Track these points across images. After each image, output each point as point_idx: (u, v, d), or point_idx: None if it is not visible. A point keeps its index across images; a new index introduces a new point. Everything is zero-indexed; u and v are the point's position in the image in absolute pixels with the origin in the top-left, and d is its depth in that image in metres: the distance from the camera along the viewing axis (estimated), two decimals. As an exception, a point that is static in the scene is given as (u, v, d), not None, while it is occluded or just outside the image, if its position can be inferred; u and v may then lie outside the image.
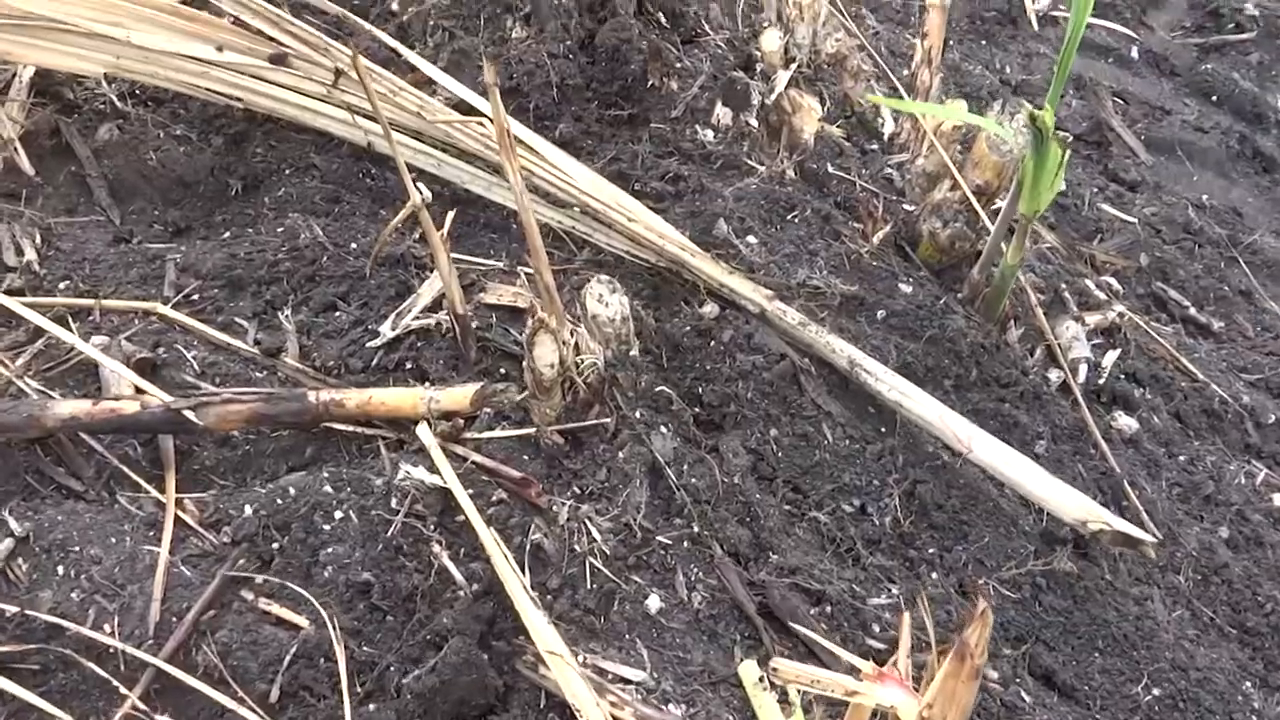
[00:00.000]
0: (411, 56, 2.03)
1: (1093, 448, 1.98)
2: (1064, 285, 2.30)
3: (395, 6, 2.41)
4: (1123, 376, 2.24)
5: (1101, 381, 2.20)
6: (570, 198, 1.91)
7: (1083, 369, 2.13)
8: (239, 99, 2.11)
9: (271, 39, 2.06)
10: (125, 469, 1.69)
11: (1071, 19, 1.64)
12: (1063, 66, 1.69)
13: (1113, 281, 2.51)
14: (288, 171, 2.09)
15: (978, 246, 2.03)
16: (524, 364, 1.61)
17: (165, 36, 2.05)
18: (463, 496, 1.56)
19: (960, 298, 2.04)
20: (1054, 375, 2.12)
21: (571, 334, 1.61)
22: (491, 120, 1.60)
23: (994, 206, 2.07)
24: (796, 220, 2.02)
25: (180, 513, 1.63)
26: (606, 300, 1.68)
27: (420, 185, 1.72)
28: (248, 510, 1.60)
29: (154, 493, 1.66)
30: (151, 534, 1.60)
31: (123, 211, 2.14)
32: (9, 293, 1.91)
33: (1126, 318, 2.37)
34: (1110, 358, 2.25)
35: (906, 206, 2.14)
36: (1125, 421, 2.11)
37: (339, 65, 2.01)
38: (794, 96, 2.09)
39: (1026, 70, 3.26)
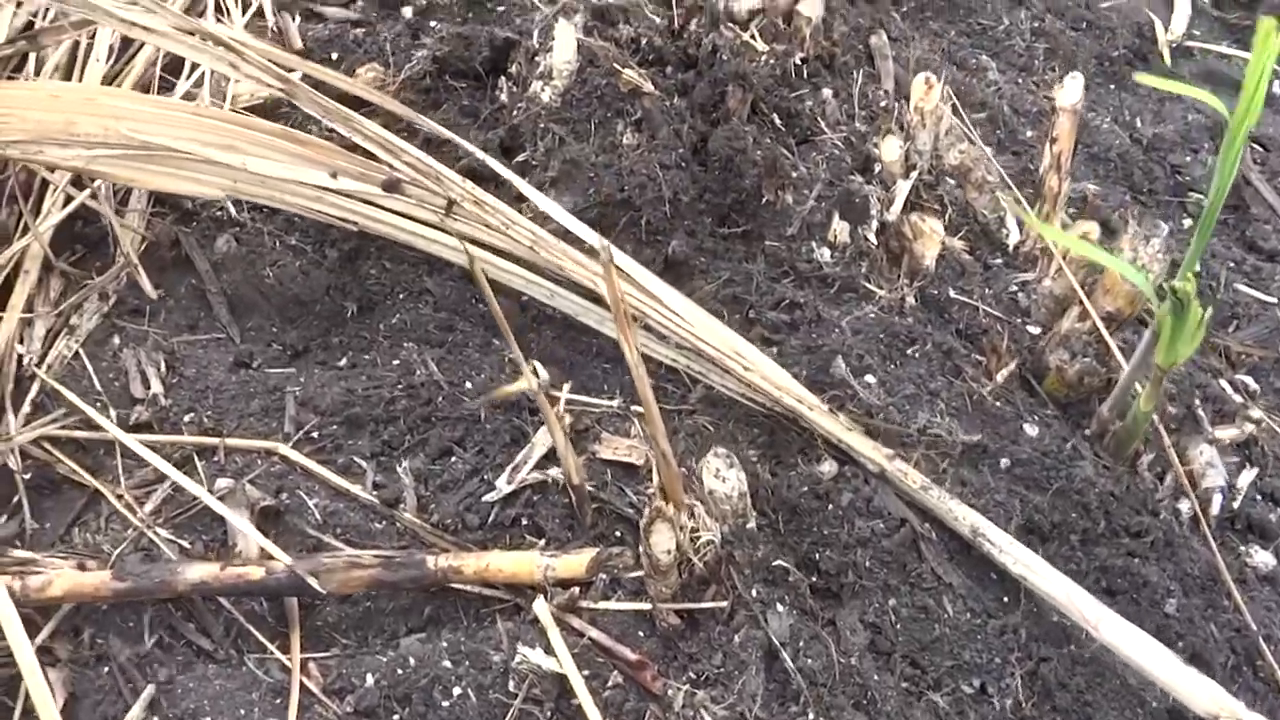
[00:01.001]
0: (523, 186, 2.01)
1: (1226, 597, 1.92)
2: (1197, 397, 2.21)
3: (504, 98, 2.40)
4: (1260, 498, 2.16)
5: (1236, 505, 2.12)
6: (684, 342, 1.89)
7: (1216, 499, 2.05)
8: (353, 222, 2.12)
9: (384, 164, 2.06)
10: (251, 627, 1.76)
11: (1213, 188, 1.55)
12: (1201, 235, 1.60)
13: (1249, 380, 2.40)
14: (401, 296, 2.11)
15: (1108, 380, 1.96)
16: (640, 547, 1.61)
17: (281, 163, 2.07)
18: (579, 683, 1.58)
19: (1088, 434, 1.98)
20: (1184, 506, 2.05)
21: (689, 516, 1.61)
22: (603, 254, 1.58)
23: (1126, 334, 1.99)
24: (917, 355, 1.97)
25: (305, 679, 1.69)
26: (724, 475, 1.67)
27: (536, 364, 1.72)
28: (369, 680, 1.65)
29: (280, 656, 1.71)
30: (279, 702, 1.65)
31: (241, 328, 2.18)
32: (136, 428, 1.98)
33: (1264, 425, 2.27)
34: (1246, 478, 2.16)
35: (1031, 329, 2.07)
36: (1262, 558, 2.04)
37: (450, 195, 2.01)
38: (915, 222, 2.03)
39: (1159, 119, 3.11)
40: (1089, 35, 3.31)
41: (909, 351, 1.97)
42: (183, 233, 2.28)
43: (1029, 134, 2.86)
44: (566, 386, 1.91)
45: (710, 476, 1.67)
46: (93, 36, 2.45)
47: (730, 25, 2.32)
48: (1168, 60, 3.32)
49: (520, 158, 2.30)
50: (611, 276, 1.50)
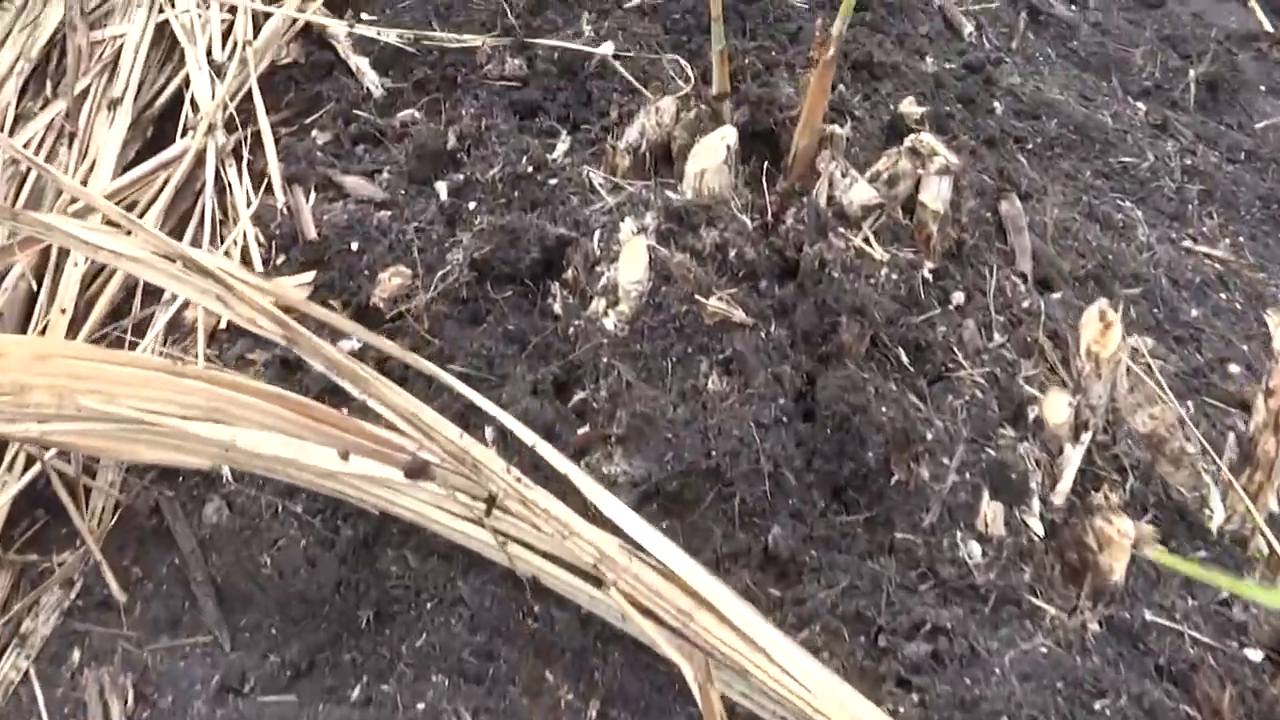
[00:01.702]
0: (586, 485, 1.56)
1: None
2: None
3: (558, 309, 1.95)
4: None
5: None
6: (794, 709, 1.42)
7: None
8: (370, 504, 1.68)
9: (410, 440, 1.62)
10: None
11: None
12: None
13: None
14: (429, 605, 1.67)
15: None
16: None
17: (278, 439, 1.64)
18: None
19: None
20: None
21: None
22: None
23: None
24: (1109, 713, 1.48)
25: None
26: None
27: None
28: None
29: None
30: None
31: (233, 629, 1.76)
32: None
33: None
34: None
35: (1251, 655, 1.58)
36: None
37: (491, 489, 1.56)
38: (1101, 529, 1.54)
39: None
40: (1249, 169, 2.80)
41: (1097, 707, 1.48)
42: (164, 496, 1.87)
43: (1194, 313, 2.36)
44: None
45: None
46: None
47: (840, 229, 1.85)
48: (1345, 193, 2.80)
49: (578, 396, 1.86)
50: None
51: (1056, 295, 2.18)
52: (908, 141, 1.99)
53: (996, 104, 2.67)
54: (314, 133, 2.46)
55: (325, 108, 2.50)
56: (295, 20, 2.49)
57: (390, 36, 2.41)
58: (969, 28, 2.94)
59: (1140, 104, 2.95)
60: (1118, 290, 2.33)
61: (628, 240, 1.84)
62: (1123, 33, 3.13)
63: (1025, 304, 2.05)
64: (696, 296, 1.78)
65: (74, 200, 2.10)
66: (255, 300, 1.69)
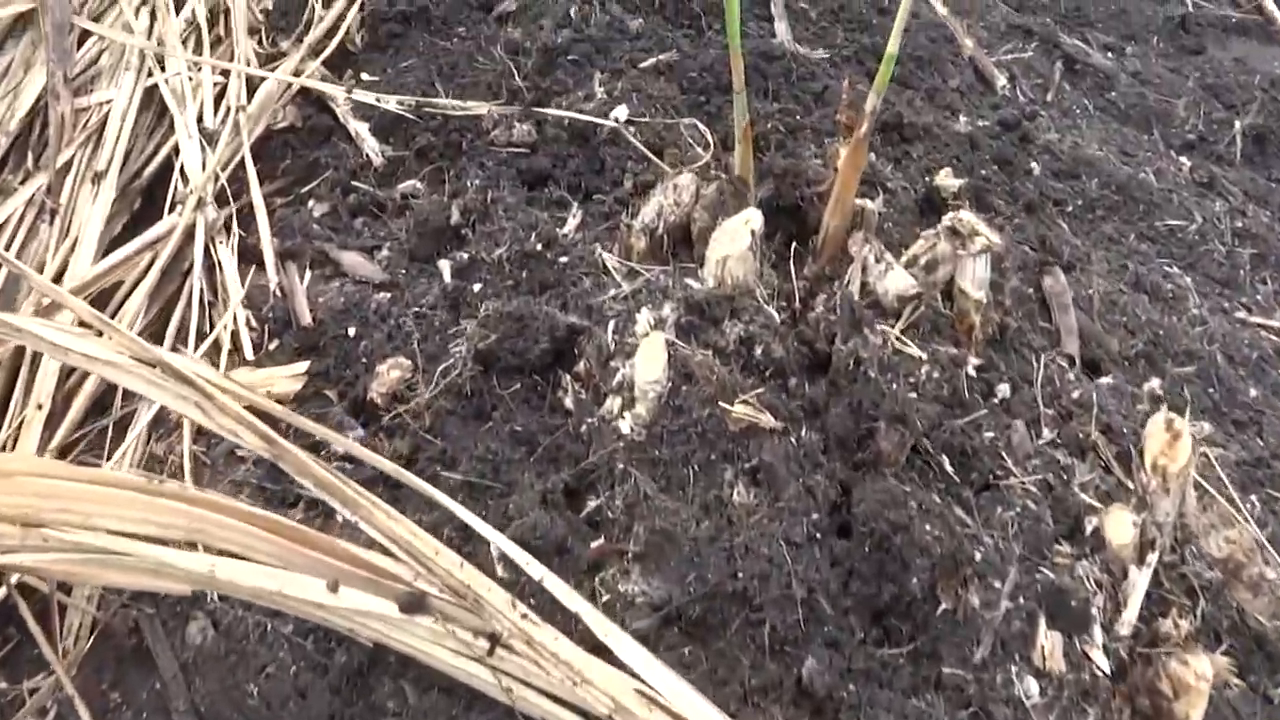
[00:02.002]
0: (590, 615, 1.41)
1: None
2: None
3: (570, 404, 1.81)
4: None
5: None
6: None
7: None
8: (363, 636, 1.54)
9: (406, 568, 1.47)
10: None
11: None
12: None
13: None
14: (428, 747, 1.51)
15: None
16: None
17: (260, 570, 1.49)
18: None
19: None
20: None
21: None
22: None
23: None
24: None
25: None
26: None
27: None
28: None
29: None
30: None
31: (217, 770, 1.60)
32: None
33: None
34: None
35: (1344, 810, 1.41)
36: None
37: (494, 628, 1.41)
38: (1176, 673, 1.38)
39: None
40: (1303, 229, 2.64)
41: None
42: (145, 615, 1.72)
43: (1253, 393, 2.20)
44: None
45: None
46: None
47: (875, 323, 1.71)
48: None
49: (592, 504, 1.71)
50: None
51: (1107, 380, 2.03)
52: (946, 219, 1.85)
53: (1034, 164, 2.52)
54: (310, 203, 2.33)
55: (323, 176, 2.36)
56: (291, 84, 2.35)
57: (390, 104, 2.27)
58: (1002, 80, 2.79)
59: (1184, 159, 2.80)
60: (1170, 369, 2.18)
61: (645, 335, 1.69)
62: (1163, 82, 2.98)
63: (1075, 394, 1.89)
64: (720, 400, 1.63)
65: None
66: (237, 411, 1.55)
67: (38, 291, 1.91)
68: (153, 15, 2.52)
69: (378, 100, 2.29)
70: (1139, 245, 2.50)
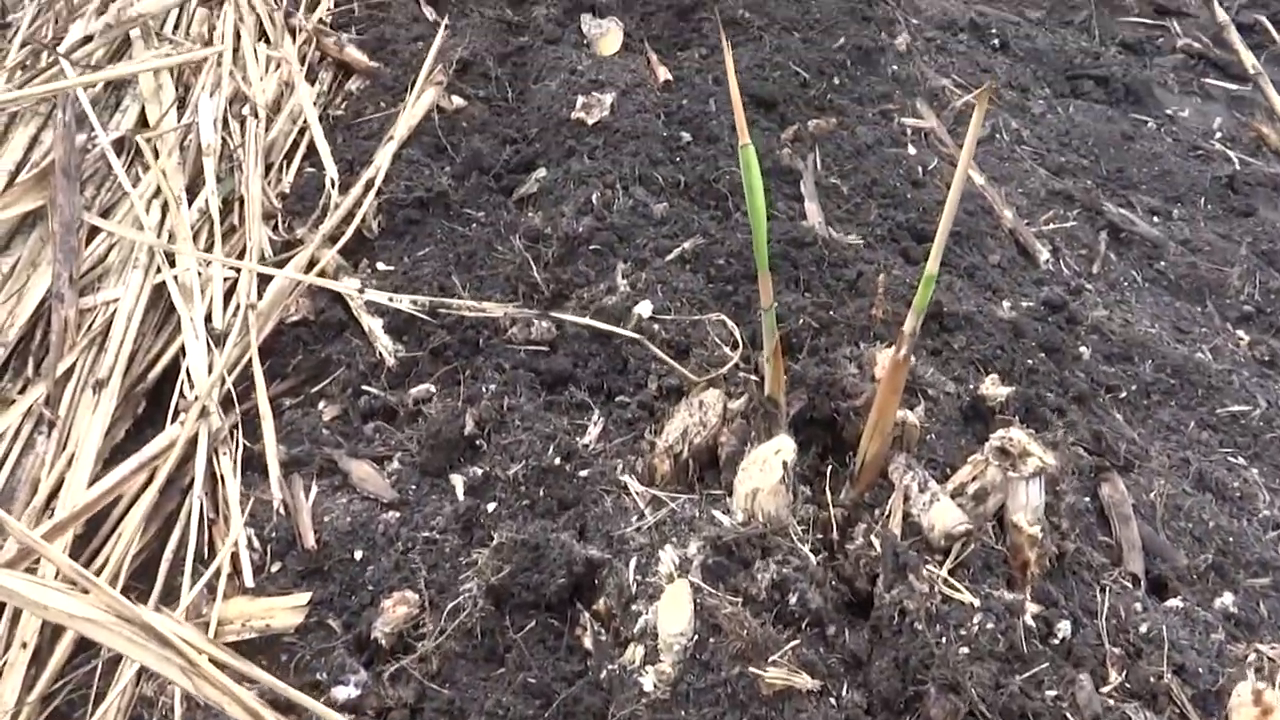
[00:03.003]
0: None
1: None
2: None
3: (589, 644, 1.67)
4: None
5: None
6: None
7: None
8: None
9: None
10: None
11: None
12: None
13: None
14: None
15: None
16: None
17: None
18: None
19: None
20: None
21: None
22: None
23: None
24: None
25: None
26: None
27: None
28: None
29: None
30: None
31: None
32: None
33: None
34: None
35: None
36: None
37: None
38: None
39: None
40: (1381, 410, 2.49)
41: None
42: None
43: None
44: None
45: None
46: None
47: (921, 564, 1.57)
48: None
49: (614, 770, 1.56)
50: None
51: (1176, 602, 1.88)
52: (995, 439, 1.73)
53: (1083, 348, 2.41)
54: (320, 405, 2.24)
55: (334, 374, 2.29)
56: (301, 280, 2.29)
57: (404, 303, 2.20)
58: (1044, 253, 2.70)
59: (1241, 332, 2.68)
60: (1242, 581, 2.02)
61: (669, 582, 1.57)
62: (1214, 249, 2.87)
63: (1143, 627, 1.74)
64: (751, 658, 1.50)
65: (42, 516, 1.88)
66: (223, 682, 1.43)
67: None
68: (164, 208, 2.48)
69: (390, 300, 2.21)
70: (1199, 434, 2.36)
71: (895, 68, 3.21)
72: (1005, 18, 3.78)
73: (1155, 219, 2.99)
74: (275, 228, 2.65)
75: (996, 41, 3.61)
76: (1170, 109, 3.51)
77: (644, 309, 2.20)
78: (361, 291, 2.23)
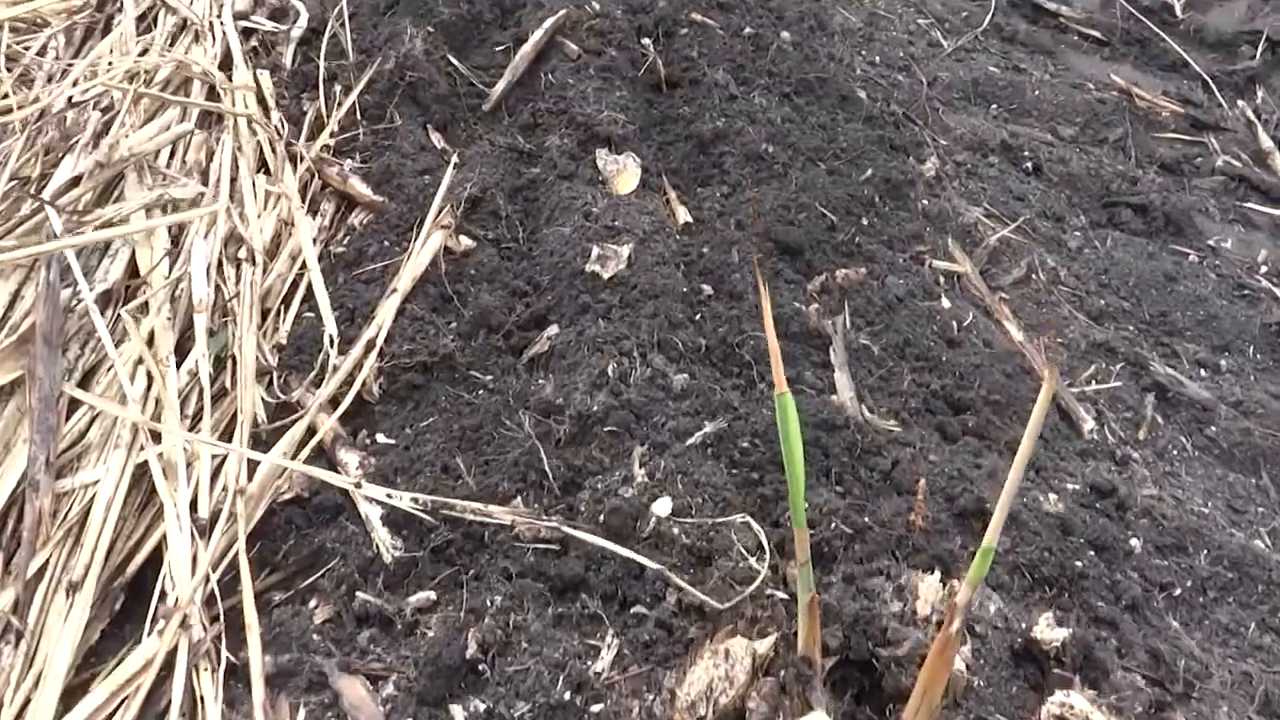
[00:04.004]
0: None
1: None
2: None
3: None
4: None
5: None
6: None
7: None
8: None
9: None
10: None
11: None
12: None
13: None
14: None
15: None
16: None
17: None
18: None
19: None
20: None
21: None
22: None
23: None
24: None
25: None
26: None
27: None
28: None
29: None
30: None
31: None
32: None
33: None
34: None
35: None
36: None
37: None
38: None
39: None
40: None
41: None
42: None
43: None
44: None
45: None
46: None
47: None
48: None
49: None
50: None
51: None
52: (1055, 706, 1.56)
53: (1134, 539, 2.25)
54: (312, 603, 2.09)
55: (328, 566, 2.13)
56: (295, 459, 2.15)
57: (403, 500, 2.05)
58: (1089, 421, 2.54)
59: (1301, 512, 2.52)
60: None
61: None
62: (1267, 411, 2.72)
63: None
64: None
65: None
66: None
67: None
68: (149, 376, 2.34)
69: (389, 496, 2.06)
70: (1261, 638, 2.20)
71: (925, 202, 3.07)
72: (1037, 137, 3.64)
73: (1203, 373, 2.83)
74: (271, 384, 2.50)
75: (1029, 165, 3.48)
76: (1212, 239, 3.37)
77: (662, 508, 2.05)
78: (359, 486, 2.08)
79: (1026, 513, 2.16)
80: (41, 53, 3.36)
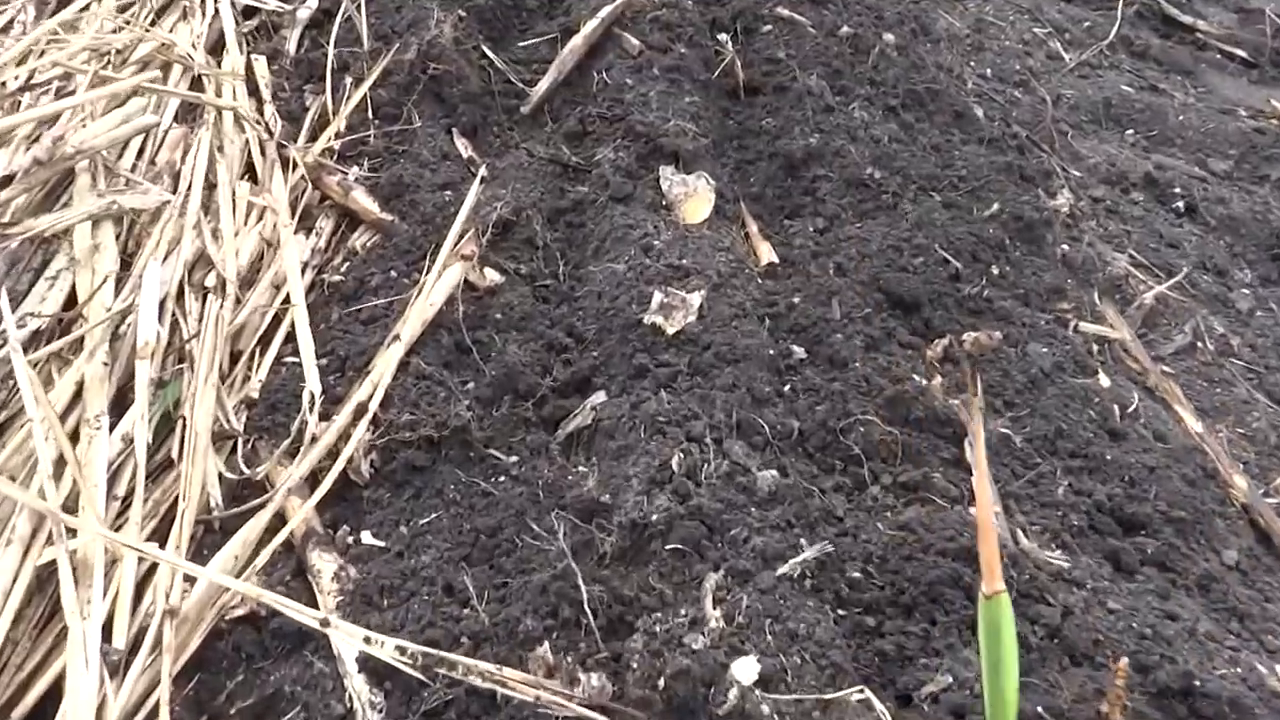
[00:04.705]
0: None
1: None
2: None
3: None
4: None
5: None
6: None
7: None
8: None
9: None
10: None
11: None
12: None
13: None
14: None
15: None
16: None
17: None
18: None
19: None
20: None
21: None
22: None
23: None
24: None
25: None
26: None
27: None
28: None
29: None
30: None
31: None
32: None
33: None
34: None
35: None
36: None
37: None
38: None
39: None
40: None
41: None
42: None
43: None
44: None
45: None
46: None
47: None
48: None
49: None
50: None
51: None
52: None
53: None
54: (261, 781, 1.52)
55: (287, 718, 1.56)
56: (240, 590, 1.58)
57: (387, 649, 1.48)
58: None
59: None
60: None
61: None
62: None
63: None
64: None
65: None
66: None
67: None
68: (75, 436, 1.79)
69: (367, 641, 1.49)
70: None
71: (1065, 247, 2.48)
72: (1186, 170, 3.04)
73: None
74: (235, 450, 1.95)
75: (1181, 204, 2.88)
76: (1407, 300, 2.76)
77: (745, 671, 1.47)
78: (326, 624, 1.51)
79: (1246, 696, 1.57)
80: (7, 28, 2.85)
